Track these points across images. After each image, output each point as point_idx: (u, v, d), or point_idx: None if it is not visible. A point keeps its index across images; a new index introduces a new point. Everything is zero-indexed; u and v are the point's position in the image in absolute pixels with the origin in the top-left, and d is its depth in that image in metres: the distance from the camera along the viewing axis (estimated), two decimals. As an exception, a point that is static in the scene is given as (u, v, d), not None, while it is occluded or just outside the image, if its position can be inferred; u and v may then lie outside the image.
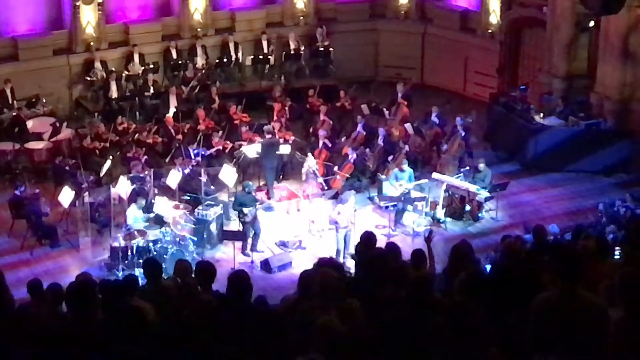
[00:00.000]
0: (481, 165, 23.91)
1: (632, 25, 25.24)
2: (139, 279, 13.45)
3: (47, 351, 8.93)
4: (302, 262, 20.18)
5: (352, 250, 18.58)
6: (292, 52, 30.17)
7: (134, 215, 21.85)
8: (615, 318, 8.16)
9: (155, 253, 20.32)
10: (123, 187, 22.54)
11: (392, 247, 12.64)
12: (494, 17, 29.53)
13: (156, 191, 23.22)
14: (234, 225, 22.57)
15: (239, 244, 21.89)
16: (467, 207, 23.54)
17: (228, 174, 23.51)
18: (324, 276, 9.59)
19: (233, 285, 9.39)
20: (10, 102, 26.77)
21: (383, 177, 24.05)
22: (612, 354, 7.78)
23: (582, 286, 8.53)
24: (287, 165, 25.16)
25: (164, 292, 11.06)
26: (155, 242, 21.09)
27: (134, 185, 22.81)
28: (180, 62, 29.20)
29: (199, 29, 29.53)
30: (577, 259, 8.68)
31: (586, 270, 8.96)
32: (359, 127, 25.83)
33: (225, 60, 29.70)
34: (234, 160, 24.64)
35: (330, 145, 25.25)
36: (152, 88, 28.17)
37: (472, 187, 23.57)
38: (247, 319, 9.12)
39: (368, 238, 12.95)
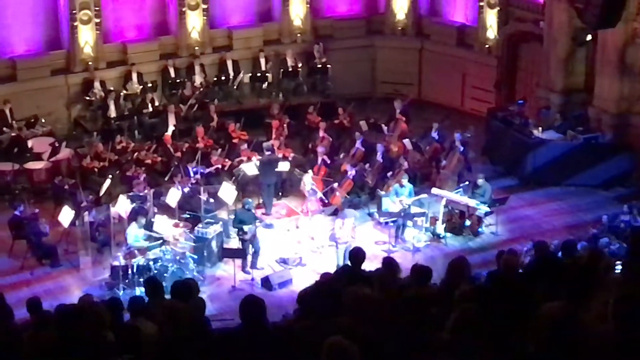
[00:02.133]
0: (480, 181, 23.90)
1: (629, 38, 25.27)
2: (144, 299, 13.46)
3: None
4: (302, 279, 20.18)
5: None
6: (289, 69, 30.19)
7: (134, 234, 21.85)
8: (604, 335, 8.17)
9: (155, 272, 20.33)
10: (123, 206, 22.54)
11: (390, 264, 12.63)
12: (491, 32, 29.57)
13: (156, 210, 23.19)
14: (234, 243, 22.54)
15: (239, 261, 21.87)
16: (467, 222, 23.55)
17: (227, 191, 23.49)
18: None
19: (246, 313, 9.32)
20: (10, 122, 26.74)
21: (382, 193, 24.02)
22: None
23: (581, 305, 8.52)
24: (287, 182, 25.13)
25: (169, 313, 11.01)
26: (155, 260, 21.12)
27: (134, 204, 22.81)
28: (178, 80, 29.19)
29: (196, 48, 29.57)
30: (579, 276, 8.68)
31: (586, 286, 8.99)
32: (358, 144, 25.86)
33: (223, 78, 29.70)
34: (233, 178, 24.66)
35: (329, 161, 25.33)
36: (150, 107, 28.16)
37: (472, 202, 23.56)
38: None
39: (356, 255, 12.86)
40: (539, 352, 7.87)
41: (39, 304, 12.11)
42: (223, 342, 9.26)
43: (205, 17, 29.59)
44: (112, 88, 28.33)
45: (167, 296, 11.65)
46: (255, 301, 9.38)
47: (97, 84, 28.24)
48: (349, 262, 13.09)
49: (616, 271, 13.27)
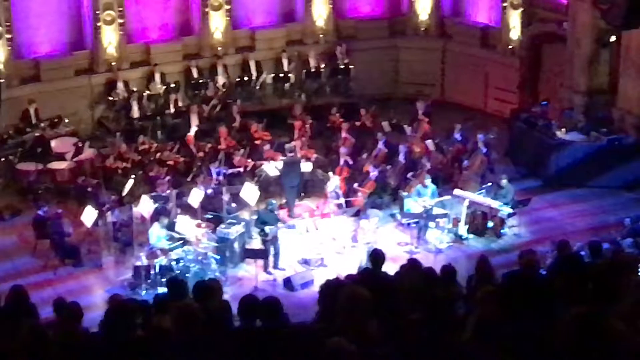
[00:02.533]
0: (504, 182, 23.86)
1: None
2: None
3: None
4: (324, 280, 20.17)
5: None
6: (312, 70, 30.26)
7: (157, 235, 21.90)
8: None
9: (177, 272, 20.36)
10: (145, 206, 22.64)
11: (414, 264, 12.65)
12: (515, 33, 29.54)
13: (178, 210, 23.23)
14: (256, 243, 22.54)
15: (261, 262, 21.86)
16: (490, 224, 23.50)
17: (250, 192, 23.50)
18: (353, 294, 9.57)
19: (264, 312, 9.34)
20: (34, 122, 26.84)
21: (405, 194, 23.97)
22: None
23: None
24: (309, 183, 25.13)
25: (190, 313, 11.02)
26: (177, 260, 21.15)
27: (156, 205, 22.86)
28: (201, 81, 29.28)
29: (219, 48, 29.64)
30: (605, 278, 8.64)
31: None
32: (380, 145, 25.87)
33: (245, 78, 29.77)
34: (256, 178, 24.71)
35: (351, 162, 25.30)
36: (173, 107, 28.26)
37: (495, 204, 23.53)
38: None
39: (376, 256, 12.87)
40: (564, 357, 7.83)
41: (65, 304, 12.14)
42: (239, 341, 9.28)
43: (228, 18, 29.63)
44: (135, 88, 28.44)
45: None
46: (273, 302, 9.44)
47: (120, 85, 28.37)
48: (370, 264, 13.14)
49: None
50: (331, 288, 10.07)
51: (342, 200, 24.04)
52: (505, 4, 29.72)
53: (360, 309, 9.03)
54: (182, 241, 21.97)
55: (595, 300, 9.04)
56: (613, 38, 26.26)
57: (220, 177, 24.44)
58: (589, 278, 10.88)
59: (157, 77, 28.79)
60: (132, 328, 9.80)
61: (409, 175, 24.66)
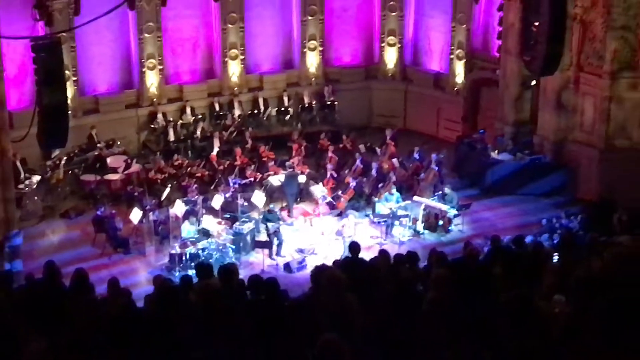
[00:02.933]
0: (447, 190, 24.00)
1: (563, 84, 25.33)
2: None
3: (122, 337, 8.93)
4: (315, 265, 20.13)
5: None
6: (306, 105, 30.12)
7: (187, 230, 22.00)
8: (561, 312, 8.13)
9: (203, 258, 20.39)
10: (179, 208, 22.71)
11: (384, 253, 12.75)
12: (459, 79, 29.50)
13: (204, 211, 23.25)
14: (263, 236, 22.58)
15: (267, 250, 21.94)
16: (440, 222, 23.58)
17: (258, 198, 23.61)
18: (332, 275, 9.58)
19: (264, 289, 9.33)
20: (94, 143, 26.82)
21: (376, 199, 24.04)
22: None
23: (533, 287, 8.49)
24: (303, 191, 25.06)
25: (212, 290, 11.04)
26: (203, 250, 21.26)
27: (187, 207, 22.89)
28: (221, 113, 29.15)
29: (235, 88, 29.53)
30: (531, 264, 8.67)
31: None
32: (358, 162, 25.85)
33: (255, 111, 29.67)
34: (263, 187, 24.72)
35: (336, 176, 25.32)
36: (200, 133, 28.14)
37: (444, 207, 23.62)
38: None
39: (354, 245, 12.93)
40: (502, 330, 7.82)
41: (117, 283, 12.14)
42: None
43: (242, 65, 29.56)
44: (171, 119, 28.36)
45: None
46: (268, 280, 9.48)
47: (159, 116, 28.32)
48: (349, 254, 13.18)
49: (554, 260, 13.28)
50: (320, 271, 10.10)
51: (329, 199, 24.16)
52: (452, 56, 29.68)
53: (338, 287, 9.07)
54: (206, 235, 22.05)
55: (522, 282, 9.05)
56: (534, 82, 26.36)
57: (236, 186, 24.43)
58: (515, 264, 10.94)
59: (188, 110, 28.70)
60: (174, 300, 9.81)
61: (379, 185, 24.71)
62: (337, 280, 9.27)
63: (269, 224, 22.36)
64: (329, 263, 13.26)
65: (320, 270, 10.18)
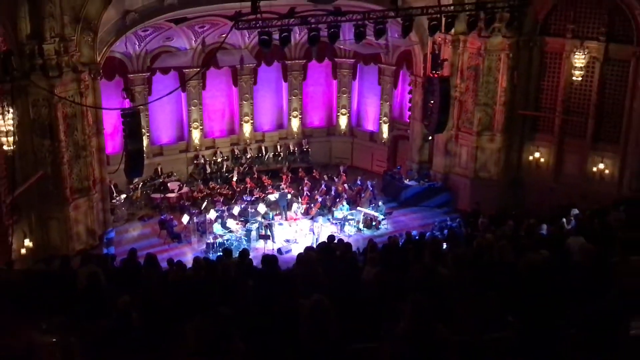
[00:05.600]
0: (380, 203, 24.20)
1: (448, 138, 25.62)
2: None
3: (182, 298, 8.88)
4: (296, 250, 20.11)
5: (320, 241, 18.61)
6: (291, 151, 30.06)
7: (217, 228, 21.89)
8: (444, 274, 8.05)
9: (227, 245, 20.28)
10: (212, 214, 22.64)
11: (343, 241, 12.74)
12: (385, 135, 29.69)
13: (227, 216, 23.13)
14: (264, 232, 22.46)
15: (268, 241, 21.84)
16: (373, 223, 23.63)
17: (261, 208, 23.52)
18: (307, 254, 9.61)
19: (268, 262, 9.32)
20: (159, 174, 26.66)
21: (334, 209, 24.07)
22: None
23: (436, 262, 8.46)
24: (289, 204, 24.99)
25: (233, 265, 11.02)
26: (227, 240, 21.17)
27: (217, 214, 22.80)
28: (238, 155, 29.04)
29: (247, 140, 29.46)
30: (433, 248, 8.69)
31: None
32: (323, 186, 25.85)
33: (260, 155, 29.61)
34: (264, 201, 24.65)
35: (309, 194, 25.26)
36: (225, 168, 28.03)
37: (376, 214, 23.72)
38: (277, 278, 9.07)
39: (331, 236, 12.97)
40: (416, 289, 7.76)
41: (173, 261, 12.08)
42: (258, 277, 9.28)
43: (251, 126, 29.51)
44: (207, 159, 28.22)
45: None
46: (271, 256, 9.46)
47: (200, 157, 28.17)
48: (324, 240, 13.20)
49: (444, 247, 13.40)
50: (300, 254, 10.14)
51: (302, 211, 24.08)
52: (380, 121, 29.83)
53: (308, 262, 9.09)
54: (230, 231, 21.97)
55: (425, 259, 9.06)
56: (430, 138, 26.58)
57: (247, 201, 24.35)
58: (421, 248, 10.99)
59: (218, 153, 28.58)
60: (211, 271, 9.76)
61: (336, 200, 24.74)
62: (311, 258, 9.32)
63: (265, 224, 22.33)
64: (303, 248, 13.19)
65: (300, 253, 10.21)
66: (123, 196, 24.71)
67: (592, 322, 5.03)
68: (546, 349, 5.47)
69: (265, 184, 26.70)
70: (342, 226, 23.29)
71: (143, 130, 23.24)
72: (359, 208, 24.31)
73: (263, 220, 22.86)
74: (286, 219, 23.88)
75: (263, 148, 29.86)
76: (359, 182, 26.41)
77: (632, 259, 5.99)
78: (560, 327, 5.45)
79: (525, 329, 5.58)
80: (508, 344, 5.36)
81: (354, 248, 12.51)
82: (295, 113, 30.37)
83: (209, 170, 27.79)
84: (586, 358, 4.82)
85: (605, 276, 6.31)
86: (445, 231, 20.06)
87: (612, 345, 4.68)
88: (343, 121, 31.08)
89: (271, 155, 29.95)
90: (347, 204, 24.22)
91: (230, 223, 22.57)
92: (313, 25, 17.48)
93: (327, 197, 25.11)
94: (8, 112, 16.11)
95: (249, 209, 23.48)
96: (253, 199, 24.86)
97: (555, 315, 5.68)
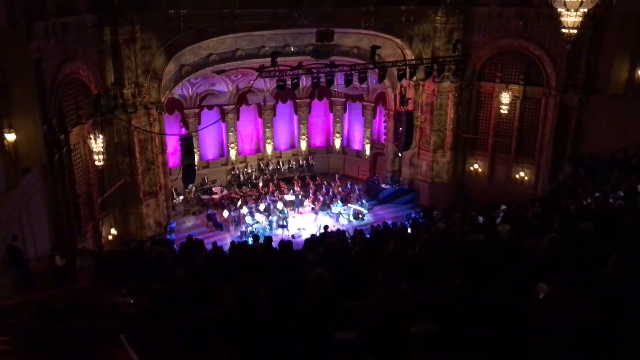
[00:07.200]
0: (364, 202, 24.02)
1: (413, 154, 25.61)
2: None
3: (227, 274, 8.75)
4: (305, 236, 20.09)
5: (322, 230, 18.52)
6: (300, 164, 29.90)
7: (248, 220, 21.78)
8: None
9: (256, 232, 20.24)
10: (244, 210, 22.50)
11: (339, 230, 12.60)
12: (367, 152, 29.61)
13: (255, 211, 23.05)
14: (282, 222, 22.39)
15: (284, 229, 21.75)
16: (360, 216, 23.55)
17: (280, 205, 23.38)
18: (312, 239, 9.49)
19: (284, 245, 9.20)
20: (207, 181, 26.58)
21: (332, 206, 24.01)
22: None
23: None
24: (300, 202, 24.81)
25: (260, 247, 10.94)
26: (256, 229, 21.02)
27: (248, 210, 22.71)
28: (263, 168, 28.91)
29: (269, 157, 29.29)
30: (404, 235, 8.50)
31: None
32: (324, 189, 25.74)
33: (278, 167, 29.53)
34: (282, 200, 24.49)
35: (314, 195, 25.17)
36: (254, 177, 27.86)
37: (361, 209, 23.62)
38: (291, 257, 8.96)
39: (326, 226, 12.88)
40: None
41: (216, 245, 12.00)
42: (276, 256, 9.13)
43: (272, 146, 29.36)
44: (240, 170, 28.02)
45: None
46: (287, 241, 9.36)
47: (236, 169, 28.05)
48: (323, 230, 13.13)
49: (408, 232, 13.34)
50: (308, 239, 10.05)
51: (309, 207, 23.96)
52: (364, 142, 29.74)
53: (311, 244, 9.01)
54: (257, 222, 21.90)
55: (397, 243, 8.99)
56: (400, 154, 26.48)
57: (270, 200, 24.29)
58: (395, 234, 10.97)
59: (248, 166, 28.46)
60: (245, 251, 9.62)
61: (333, 199, 24.67)
62: (311, 241, 9.26)
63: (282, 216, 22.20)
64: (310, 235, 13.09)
65: (308, 239, 10.13)
66: (181, 197, 24.67)
67: (511, 284, 5.15)
68: (481, 304, 5.57)
69: (282, 187, 26.63)
70: (337, 218, 23.30)
71: (195, 149, 23.20)
72: (349, 205, 24.30)
73: (281, 214, 22.87)
74: (299, 213, 23.82)
75: (280, 162, 29.73)
76: (349, 186, 26.35)
77: (531, 242, 6.10)
78: (490, 287, 5.54)
79: (468, 289, 5.66)
80: (455, 300, 5.44)
81: (347, 235, 12.50)
82: (303, 137, 30.27)
83: (242, 178, 27.71)
84: (506, 310, 4.93)
85: (520, 252, 6.40)
86: (410, 221, 20.04)
87: (523, 301, 4.79)
88: (337, 142, 30.97)
89: (286, 167, 29.86)
90: (341, 202, 24.21)
91: (258, 216, 22.57)
92: (315, 74, 17.79)
93: (327, 197, 25.08)
94: (99, 137, 17.20)
95: (271, 206, 23.49)
96: (274, 198, 24.89)
97: (487, 279, 5.82)
